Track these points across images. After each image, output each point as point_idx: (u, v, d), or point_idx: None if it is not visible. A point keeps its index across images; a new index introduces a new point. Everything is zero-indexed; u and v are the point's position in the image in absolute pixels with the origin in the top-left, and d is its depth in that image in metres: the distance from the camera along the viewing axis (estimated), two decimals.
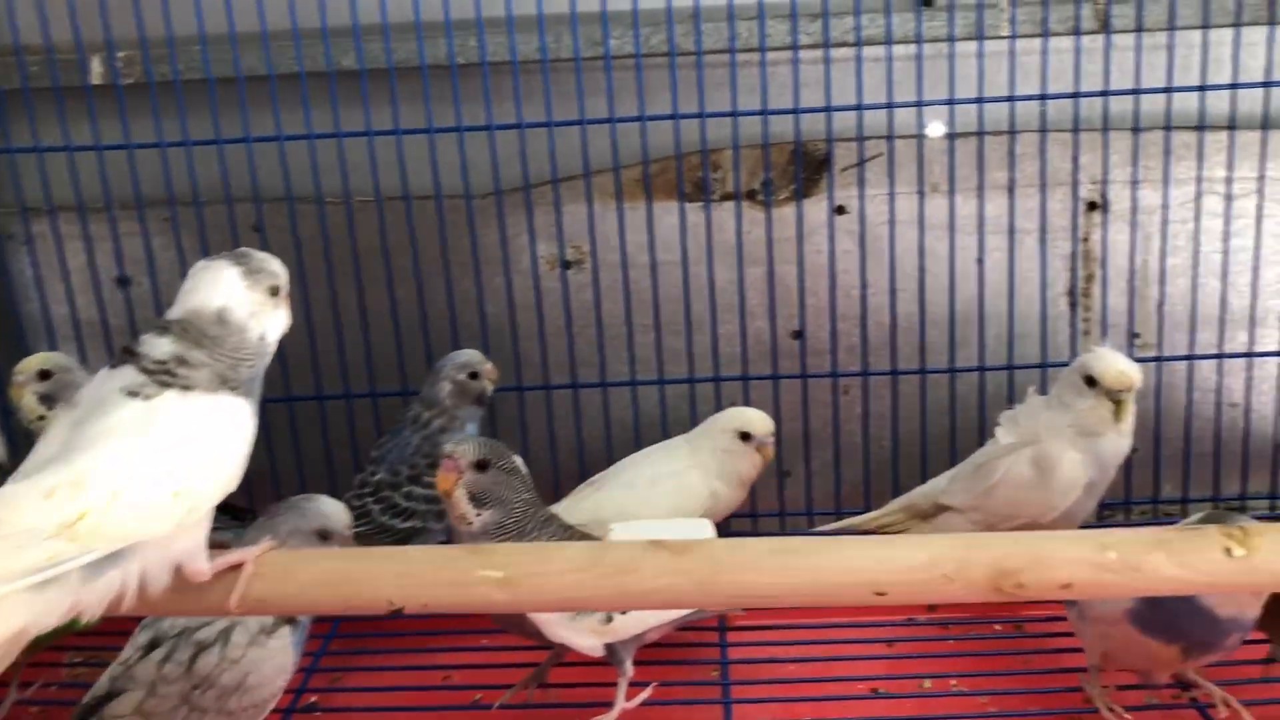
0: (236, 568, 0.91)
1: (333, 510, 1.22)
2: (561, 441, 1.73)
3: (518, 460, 1.25)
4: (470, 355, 1.53)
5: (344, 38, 1.58)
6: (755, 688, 1.35)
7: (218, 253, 0.96)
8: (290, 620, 1.17)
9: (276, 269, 0.96)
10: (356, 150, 1.61)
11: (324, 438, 1.71)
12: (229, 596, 0.90)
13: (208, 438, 0.87)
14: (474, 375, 1.51)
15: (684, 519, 1.51)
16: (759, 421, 1.50)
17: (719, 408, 1.71)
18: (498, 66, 1.59)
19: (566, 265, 1.70)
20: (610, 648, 1.25)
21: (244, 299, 0.93)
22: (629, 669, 1.27)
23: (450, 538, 1.44)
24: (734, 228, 1.66)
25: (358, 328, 1.69)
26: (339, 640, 1.51)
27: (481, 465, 1.21)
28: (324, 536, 1.20)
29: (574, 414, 1.72)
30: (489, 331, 1.68)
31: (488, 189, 1.65)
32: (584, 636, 1.22)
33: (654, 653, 1.37)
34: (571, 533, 1.28)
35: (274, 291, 0.95)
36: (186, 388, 0.88)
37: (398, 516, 1.48)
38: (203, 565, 0.89)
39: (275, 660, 1.15)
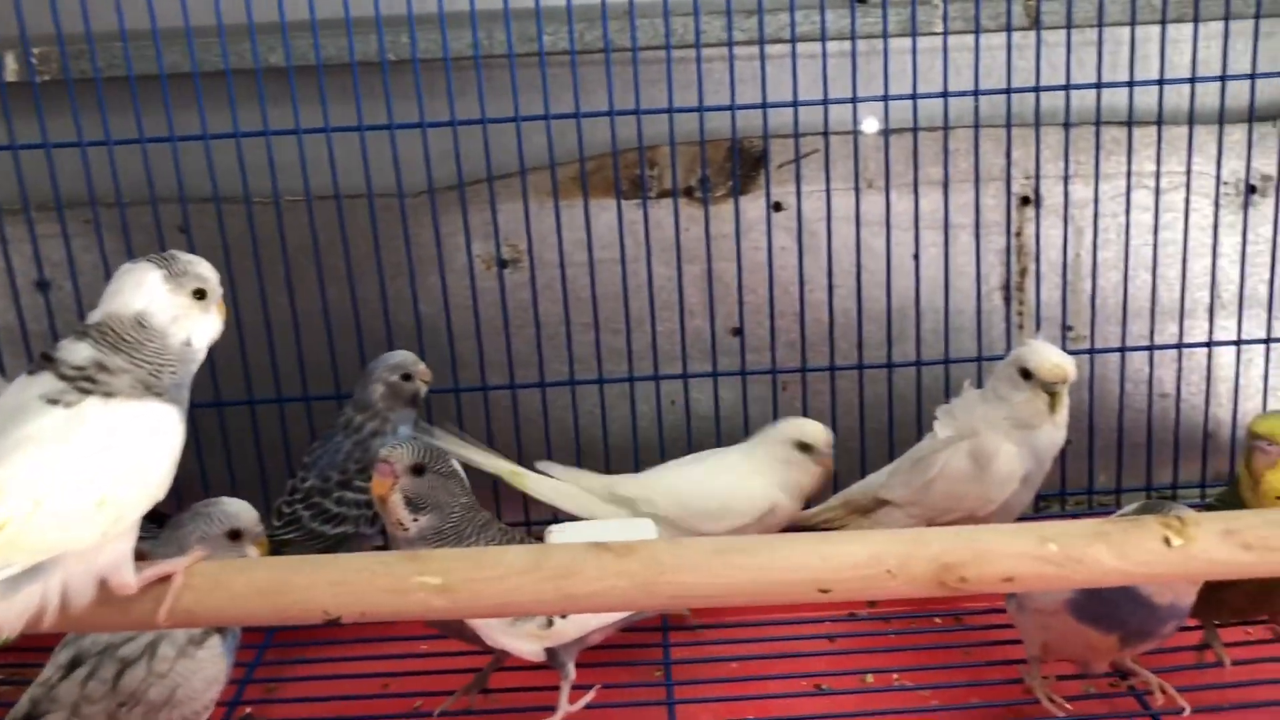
0: (165, 579, 0.88)
1: (239, 510, 1.19)
2: (500, 442, 1.70)
3: (455, 463, 1.23)
4: (403, 356, 1.51)
5: (271, 34, 1.54)
6: (699, 687, 1.35)
7: (143, 255, 0.93)
8: (220, 629, 1.14)
9: (204, 272, 0.93)
10: (285, 149, 1.57)
11: (256, 442, 1.68)
12: (157, 609, 0.87)
13: (132, 445, 0.84)
14: (407, 377, 1.49)
15: (631, 521, 1.49)
16: (818, 433, 1.47)
17: (659, 406, 1.71)
18: (430, 63, 1.57)
19: (503, 264, 1.68)
20: (552, 652, 1.23)
21: (166, 303, 0.90)
22: (571, 672, 1.25)
23: (385, 543, 1.42)
24: (672, 225, 1.66)
25: (289, 330, 1.65)
26: (274, 649, 1.48)
27: (418, 469, 1.18)
28: (235, 537, 1.17)
29: (512, 415, 1.70)
30: (424, 332, 1.66)
31: (421, 187, 1.63)
32: (524, 641, 1.20)
33: (597, 654, 1.36)
34: (512, 536, 1.26)
35: (200, 295, 0.92)
36: (108, 394, 0.85)
37: (328, 523, 1.45)
38: (129, 578, 0.86)
39: (205, 672, 1.12)
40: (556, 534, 1.40)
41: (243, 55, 1.55)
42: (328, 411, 1.62)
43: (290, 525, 1.46)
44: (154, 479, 0.85)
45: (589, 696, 1.29)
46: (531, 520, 1.71)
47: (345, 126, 1.56)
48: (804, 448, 1.46)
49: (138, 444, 0.84)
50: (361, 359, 1.62)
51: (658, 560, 0.87)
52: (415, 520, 1.18)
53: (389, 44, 1.56)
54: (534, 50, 1.57)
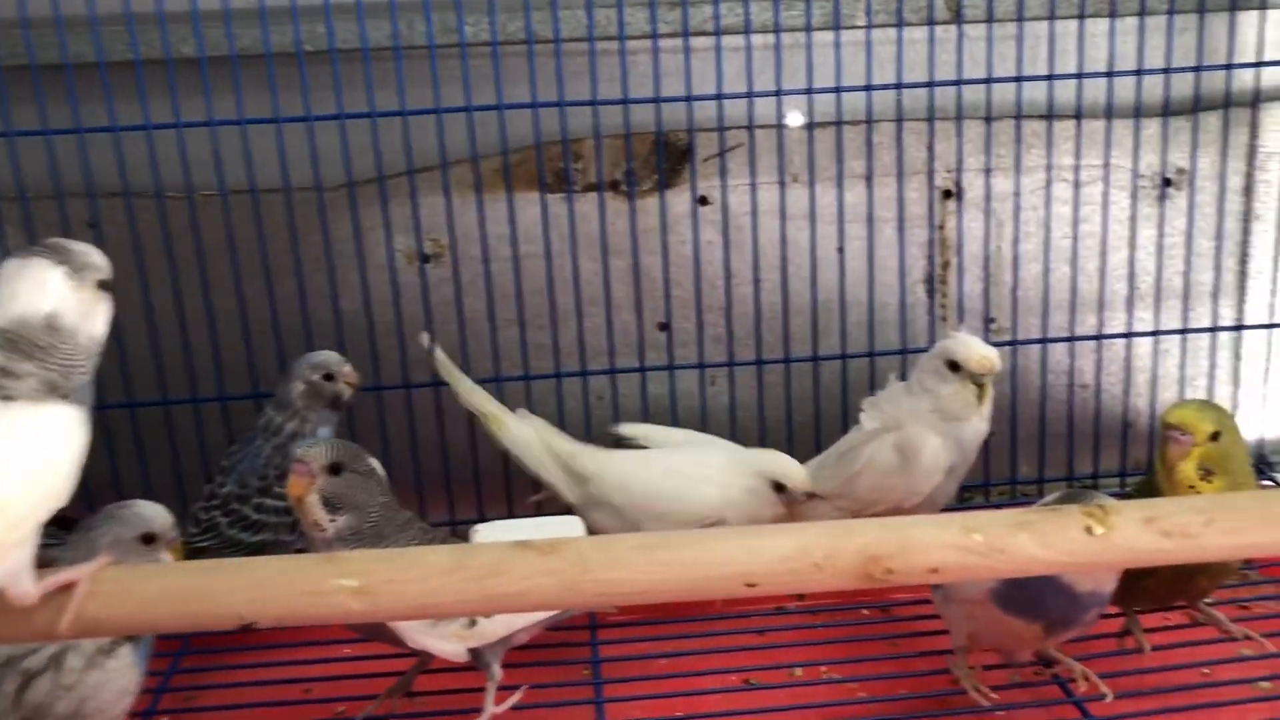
0: (68, 587, 0.84)
1: (153, 513, 1.15)
2: (424, 442, 1.68)
3: (374, 462, 1.20)
4: (325, 356, 1.47)
5: (183, 24, 1.50)
6: (627, 685, 1.34)
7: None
8: (131, 637, 1.10)
9: (100, 260, 0.88)
10: (198, 142, 1.53)
11: (171, 445, 1.63)
12: (59, 619, 0.83)
13: (30, 449, 0.80)
14: (329, 377, 1.45)
15: (556, 519, 1.48)
16: (798, 478, 1.41)
17: (586, 403, 1.70)
18: (348, 54, 1.53)
19: (425, 259, 1.65)
20: (476, 652, 1.21)
21: (73, 300, 0.85)
22: (497, 673, 1.23)
23: (305, 549, 1.38)
24: (597, 219, 1.64)
25: (204, 328, 1.60)
26: (192, 656, 1.44)
27: (335, 469, 1.15)
28: (148, 541, 1.14)
29: (435, 413, 1.67)
30: (344, 329, 1.62)
31: (340, 181, 1.59)
32: (447, 642, 1.18)
33: (524, 654, 1.34)
34: (434, 535, 1.23)
35: (104, 286, 0.88)
36: (8, 398, 0.81)
37: (247, 530, 1.41)
38: (28, 587, 0.82)
39: (116, 683, 1.08)
40: (482, 533, 1.38)
41: (153, 45, 1.50)
42: (247, 413, 1.58)
43: (208, 533, 1.42)
44: (54, 485, 0.82)
45: (515, 698, 1.27)
46: (457, 520, 1.69)
47: (261, 119, 1.52)
48: (778, 488, 1.41)
49: (36, 448, 0.81)
50: (280, 358, 1.58)
51: (583, 558, 0.86)
52: (333, 521, 1.15)
53: (305, 34, 1.52)
54: (455, 41, 1.54)
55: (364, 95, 1.53)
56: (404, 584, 0.86)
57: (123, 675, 1.09)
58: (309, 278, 1.61)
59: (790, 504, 1.41)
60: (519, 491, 1.69)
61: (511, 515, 1.69)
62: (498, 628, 1.20)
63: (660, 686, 1.32)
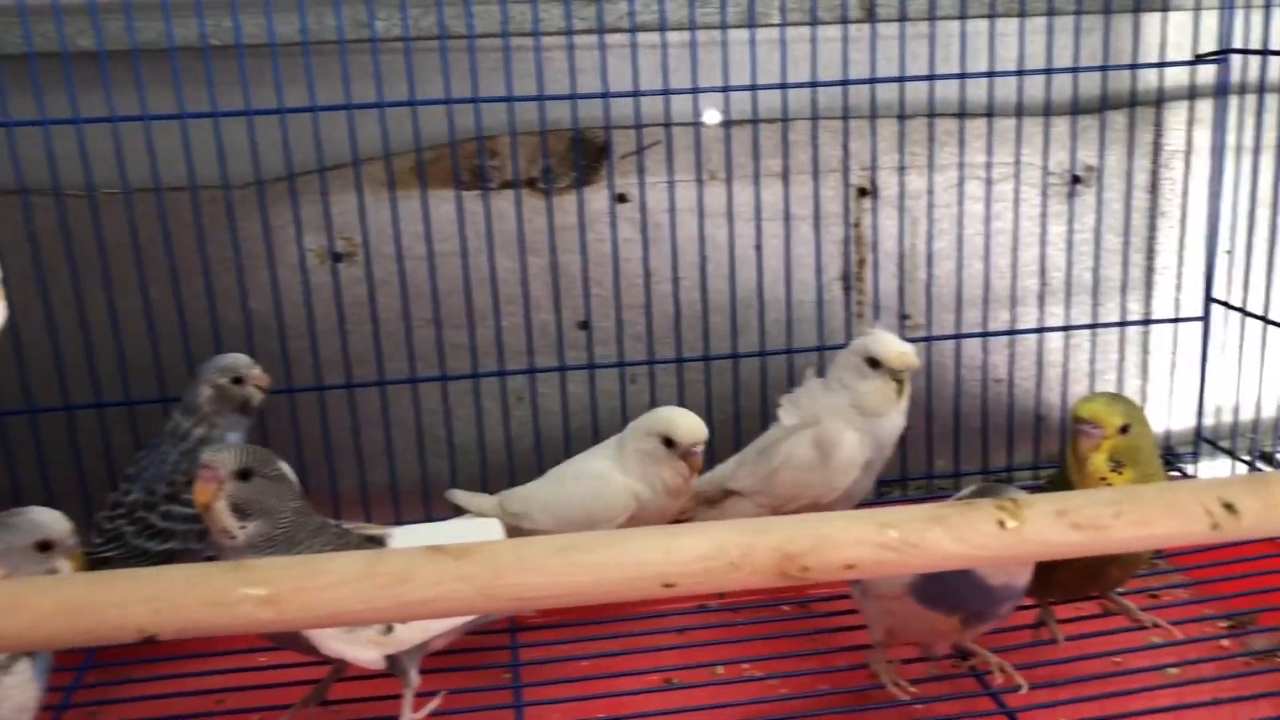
0: None
1: (48, 519, 1.11)
2: (338, 445, 1.65)
3: (284, 466, 1.17)
4: (234, 359, 1.43)
5: (81, 16, 1.45)
6: (548, 688, 1.32)
7: None
8: (28, 652, 1.05)
9: None
10: (99, 138, 1.48)
11: (74, 452, 1.58)
12: None
13: None
14: (238, 380, 1.41)
15: (475, 522, 1.46)
16: (684, 429, 1.39)
17: (504, 403, 1.68)
18: (256, 49, 1.50)
19: (337, 258, 1.62)
20: (393, 659, 1.19)
21: None
22: (415, 679, 1.21)
23: (215, 557, 1.35)
24: (514, 216, 1.62)
25: (108, 331, 1.55)
26: (96, 670, 1.39)
27: (244, 474, 1.12)
28: (45, 548, 1.09)
29: (350, 415, 1.64)
30: (254, 331, 1.58)
31: (248, 179, 1.55)
32: (362, 649, 1.15)
33: (443, 659, 1.32)
34: (348, 540, 1.21)
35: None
36: None
37: (154, 538, 1.37)
38: None
39: (13, 700, 1.04)
40: (399, 537, 1.35)
41: (48, 37, 1.45)
42: (153, 418, 1.53)
43: (113, 542, 1.38)
44: None
45: (434, 704, 1.25)
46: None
47: (165, 114, 1.48)
48: (668, 443, 1.40)
49: None
50: (188, 360, 1.54)
51: (497, 562, 0.84)
52: (243, 528, 1.12)
53: (211, 28, 1.48)
54: (366, 37, 1.52)
55: (273, 91, 1.49)
56: (313, 591, 0.83)
57: (20, 692, 1.05)
58: (217, 278, 1.57)
59: (688, 458, 1.39)
60: (436, 496, 1.66)
61: (429, 519, 1.67)
62: (414, 634, 1.18)
63: (581, 689, 1.31)
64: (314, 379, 1.62)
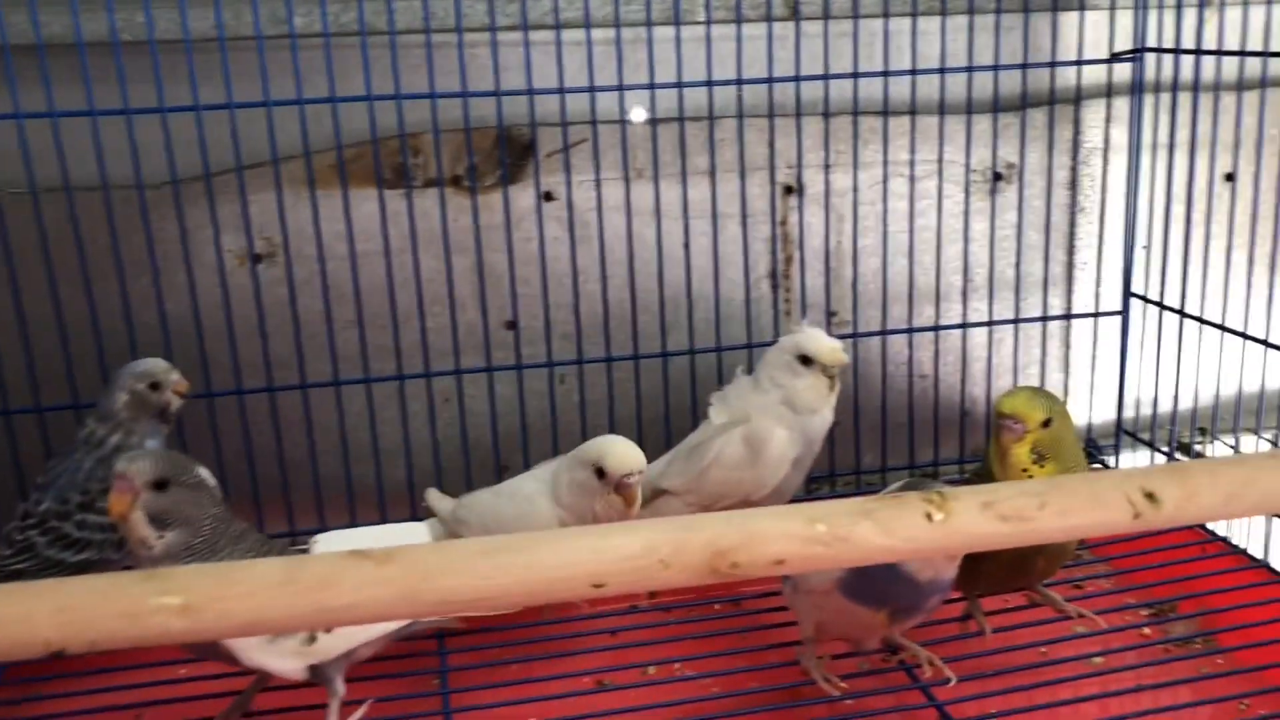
0: None
1: None
2: (260, 450, 1.61)
3: (204, 473, 1.14)
4: (151, 364, 1.39)
5: None
6: (478, 693, 1.30)
7: None
8: None
9: None
10: (4, 136, 1.43)
11: None
12: None
13: None
14: (154, 386, 1.37)
15: (401, 526, 1.44)
16: (615, 458, 1.26)
17: (431, 405, 1.65)
18: (169, 44, 1.46)
19: (256, 259, 1.58)
20: (316, 669, 1.16)
21: None
22: (340, 689, 1.19)
23: (133, 566, 1.31)
24: (438, 215, 1.60)
25: (16, 335, 1.50)
26: (5, 688, 1.34)
27: (160, 484, 1.09)
28: None
29: (272, 419, 1.60)
30: (171, 334, 1.54)
31: (163, 178, 1.51)
32: (284, 659, 1.12)
33: (370, 667, 1.29)
34: (271, 546, 1.18)
35: None
36: None
37: (69, 549, 1.33)
38: None
39: None
40: (322, 542, 1.33)
41: None
42: (66, 425, 1.49)
43: (23, 554, 1.33)
44: None
45: (361, 712, 1.22)
46: (297, 531, 1.63)
47: (75, 111, 1.43)
48: (600, 473, 1.28)
49: None
50: (102, 366, 1.50)
51: (421, 566, 0.82)
52: (161, 538, 1.09)
53: (123, 23, 1.44)
54: (285, 32, 1.48)
55: (188, 88, 1.45)
56: (231, 600, 0.81)
57: None
58: (132, 280, 1.52)
59: (622, 490, 1.28)
60: (362, 500, 1.64)
61: (354, 524, 1.64)
62: (338, 643, 1.15)
63: (512, 693, 1.29)
64: (234, 383, 1.58)
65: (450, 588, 0.82)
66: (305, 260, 1.57)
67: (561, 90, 1.56)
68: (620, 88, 1.58)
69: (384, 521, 1.65)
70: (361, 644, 1.18)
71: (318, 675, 1.17)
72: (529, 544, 0.85)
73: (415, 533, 1.36)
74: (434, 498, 1.51)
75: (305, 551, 1.31)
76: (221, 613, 0.81)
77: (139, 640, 0.82)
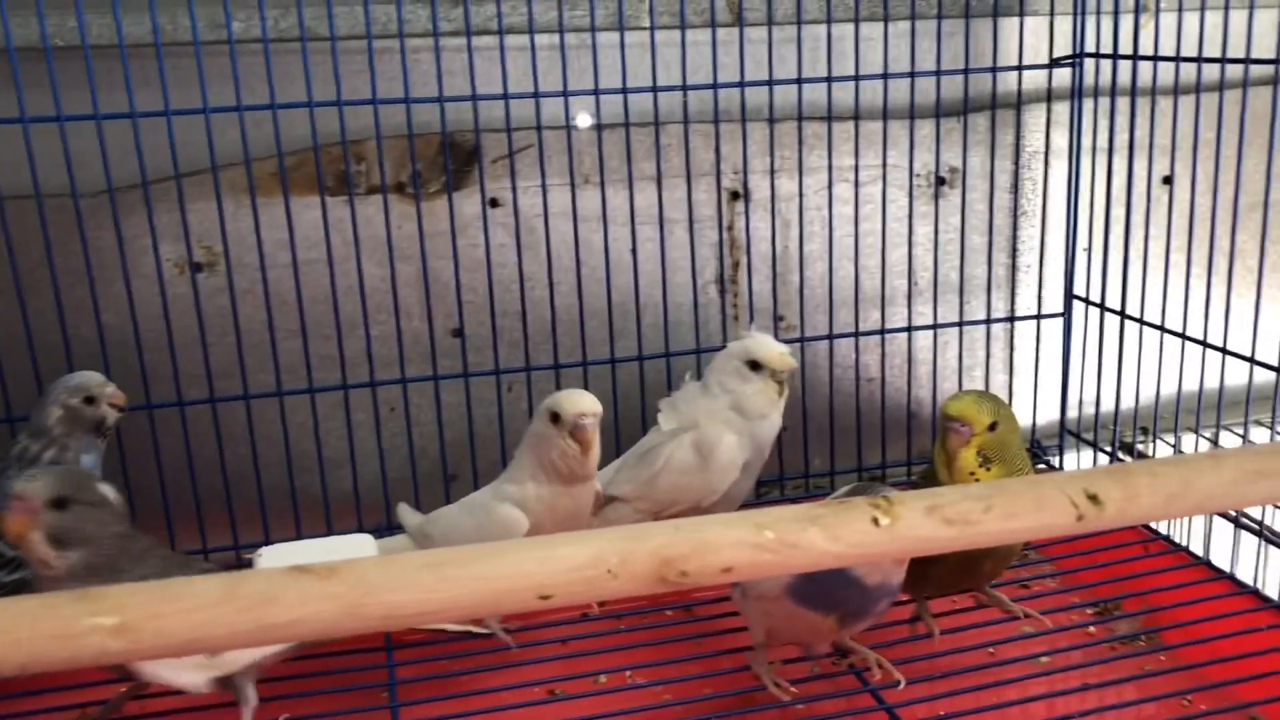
0: None
1: None
2: (201, 462, 1.58)
3: (106, 489, 1.11)
4: (85, 377, 1.36)
5: None
6: (426, 706, 1.28)
7: None
8: None
9: None
10: None
11: None
12: None
13: None
14: (90, 400, 1.34)
15: (348, 538, 1.42)
16: (567, 400, 1.28)
17: (376, 415, 1.63)
18: (103, 49, 1.43)
19: (197, 268, 1.56)
20: (225, 680, 1.14)
21: None
22: (252, 696, 1.16)
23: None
24: (383, 223, 1.58)
25: None
26: None
27: (59, 503, 1.06)
28: None
29: (214, 431, 1.57)
30: (109, 345, 1.51)
31: (99, 186, 1.48)
32: (185, 673, 1.10)
33: (317, 681, 1.27)
34: (176, 563, 1.16)
35: None
36: None
37: (3, 568, 1.29)
38: None
39: None
40: (266, 556, 1.31)
41: None
42: None
43: None
44: None
45: None
46: (241, 544, 1.60)
47: (6, 119, 1.40)
48: (555, 419, 1.30)
49: None
50: (37, 379, 1.46)
51: (365, 580, 0.80)
52: (62, 557, 1.07)
53: (54, 28, 1.41)
54: (223, 38, 1.46)
55: (124, 95, 1.42)
56: (168, 618, 0.79)
57: None
58: (67, 291, 1.49)
59: (577, 433, 1.29)
60: (307, 512, 1.61)
61: (300, 536, 1.62)
62: (242, 655, 1.13)
63: (461, 705, 1.28)
64: (175, 395, 1.55)
65: (395, 602, 0.81)
66: (246, 269, 1.55)
67: (506, 96, 1.55)
68: (565, 93, 1.57)
69: (330, 533, 1.62)
70: (271, 654, 1.16)
71: (226, 685, 1.15)
72: (474, 556, 0.84)
73: (362, 545, 1.34)
74: (404, 513, 1.49)
75: (249, 566, 1.29)
76: (158, 631, 0.79)
77: (72, 662, 0.80)
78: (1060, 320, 1.85)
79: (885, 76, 1.67)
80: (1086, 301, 1.80)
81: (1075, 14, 1.72)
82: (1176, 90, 1.56)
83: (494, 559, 0.82)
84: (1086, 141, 1.77)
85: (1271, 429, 1.53)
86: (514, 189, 1.62)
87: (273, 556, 1.31)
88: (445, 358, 1.66)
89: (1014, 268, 1.85)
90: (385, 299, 1.61)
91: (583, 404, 1.30)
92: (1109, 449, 1.80)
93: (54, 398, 1.34)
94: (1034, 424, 1.90)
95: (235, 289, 1.55)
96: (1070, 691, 1.26)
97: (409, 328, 1.63)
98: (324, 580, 0.80)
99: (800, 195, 1.72)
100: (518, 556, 0.83)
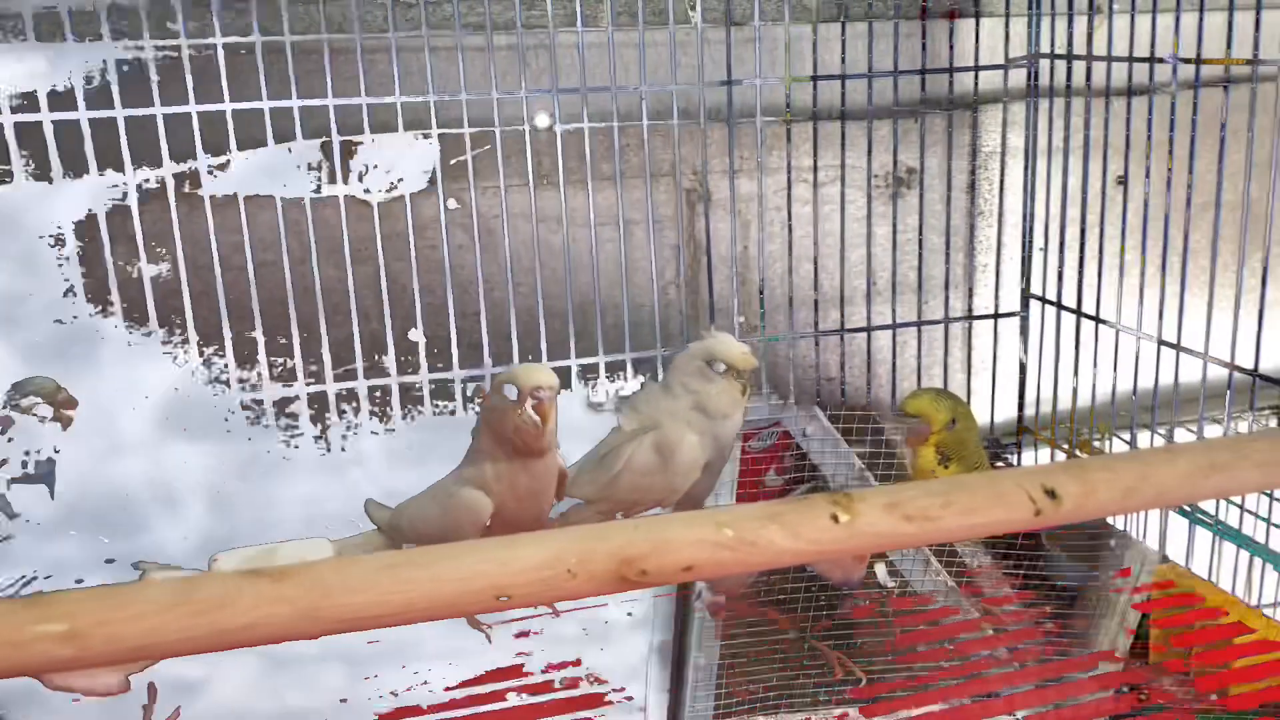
0: None
1: None
2: None
3: None
4: (37, 382, 1.34)
5: None
6: None
7: None
8: None
9: None
10: None
11: None
12: None
13: None
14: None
15: (305, 541, 1.40)
16: (524, 372, 1.25)
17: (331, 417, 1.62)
18: None
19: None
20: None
21: None
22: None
23: None
24: (339, 223, 1.56)
25: None
26: None
27: None
28: None
29: None
30: None
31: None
32: (102, 676, 1.08)
33: None
34: None
35: None
36: None
37: None
38: None
39: None
40: (223, 560, 1.29)
41: None
42: None
43: None
44: None
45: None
46: None
47: None
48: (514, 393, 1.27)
49: None
50: None
51: (321, 583, 0.79)
52: None
53: None
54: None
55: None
56: (119, 624, 0.77)
57: None
58: None
59: (535, 406, 1.25)
60: None
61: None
62: None
63: None
64: None
65: (352, 605, 0.80)
66: (201, 271, 1.53)
67: (463, 96, 1.54)
68: (523, 94, 1.56)
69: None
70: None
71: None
72: (431, 557, 0.83)
73: (318, 548, 1.32)
74: (372, 508, 1.47)
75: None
76: (109, 637, 0.77)
77: (22, 670, 0.78)
78: (1017, 319, 1.86)
79: (843, 77, 1.68)
80: (1043, 300, 1.81)
81: (1030, 15, 1.74)
82: (1130, 91, 1.58)
83: (452, 560, 0.81)
84: (1042, 141, 1.78)
85: (1225, 425, 1.55)
86: (472, 190, 1.61)
87: (229, 561, 1.28)
88: (403, 360, 1.64)
89: (971, 267, 1.86)
90: (343, 301, 1.59)
91: (536, 375, 1.27)
92: (1067, 447, 1.81)
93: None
94: (992, 422, 1.91)
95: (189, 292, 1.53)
96: (1030, 688, 1.27)
97: (367, 330, 1.61)
98: (279, 583, 0.79)
99: (760, 196, 1.72)
100: (475, 556, 0.82)
